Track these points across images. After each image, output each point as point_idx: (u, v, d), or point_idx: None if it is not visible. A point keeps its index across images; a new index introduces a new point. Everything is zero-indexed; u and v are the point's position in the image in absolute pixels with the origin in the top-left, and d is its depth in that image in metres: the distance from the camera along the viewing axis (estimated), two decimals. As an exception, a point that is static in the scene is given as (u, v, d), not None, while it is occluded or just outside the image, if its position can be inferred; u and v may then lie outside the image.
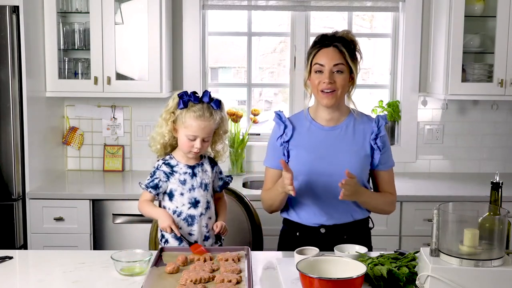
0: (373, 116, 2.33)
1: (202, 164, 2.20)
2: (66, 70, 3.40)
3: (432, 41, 3.51)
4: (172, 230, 2.05)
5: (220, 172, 2.28)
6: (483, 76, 3.34)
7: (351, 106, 2.21)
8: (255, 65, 3.87)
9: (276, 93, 4.07)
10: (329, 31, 2.17)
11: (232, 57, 4.01)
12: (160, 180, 2.15)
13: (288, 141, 2.19)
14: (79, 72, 3.42)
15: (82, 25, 3.38)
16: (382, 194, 2.22)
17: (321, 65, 2.08)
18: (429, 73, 3.56)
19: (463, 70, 3.32)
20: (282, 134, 2.20)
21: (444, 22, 3.30)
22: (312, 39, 3.57)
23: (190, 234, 2.14)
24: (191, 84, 3.54)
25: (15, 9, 2.93)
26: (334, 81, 2.07)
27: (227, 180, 2.29)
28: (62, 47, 3.34)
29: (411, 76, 3.61)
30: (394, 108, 3.62)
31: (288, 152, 2.20)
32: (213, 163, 2.26)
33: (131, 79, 3.38)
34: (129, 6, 3.36)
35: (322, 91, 2.09)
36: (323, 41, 2.11)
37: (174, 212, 2.14)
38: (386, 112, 3.62)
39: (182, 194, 2.15)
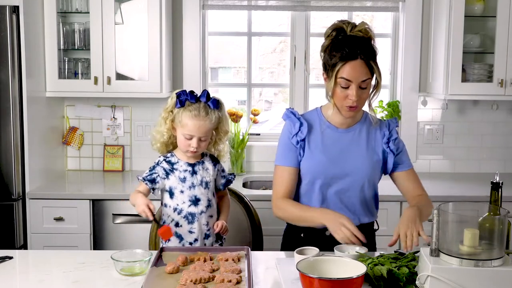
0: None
1: (203, 162, 2.21)
2: (66, 70, 3.40)
3: (432, 41, 3.51)
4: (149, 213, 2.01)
5: (223, 170, 2.28)
6: (483, 76, 3.34)
7: (371, 113, 2.16)
8: (255, 65, 3.87)
9: (276, 93, 4.07)
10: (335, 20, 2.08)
11: (232, 57, 4.01)
12: (158, 175, 2.15)
13: (303, 140, 2.11)
14: (79, 72, 3.42)
15: (82, 25, 3.38)
16: (423, 200, 2.13)
17: (349, 80, 1.97)
18: (429, 73, 3.56)
19: (463, 70, 3.32)
20: (298, 132, 2.11)
21: (444, 22, 3.30)
22: (312, 39, 3.64)
23: (190, 232, 2.14)
24: (191, 84, 3.54)
25: (15, 9, 2.93)
26: (360, 97, 2.00)
27: (229, 178, 2.29)
28: (62, 47, 3.34)
29: (411, 76, 3.61)
30: (394, 108, 3.62)
31: (303, 150, 2.12)
32: (215, 161, 2.26)
33: (131, 79, 3.38)
34: (129, 6, 3.36)
35: (347, 106, 2.02)
36: (347, 50, 1.97)
37: (175, 209, 2.15)
38: (386, 112, 3.62)
39: (182, 191, 2.15)
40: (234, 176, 2.33)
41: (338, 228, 1.92)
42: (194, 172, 2.17)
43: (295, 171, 2.14)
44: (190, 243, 2.15)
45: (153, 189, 2.15)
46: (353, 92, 1.98)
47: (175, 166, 2.17)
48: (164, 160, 2.18)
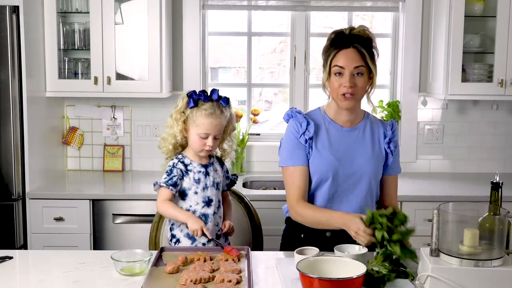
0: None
1: (213, 163, 2.22)
2: (66, 70, 3.40)
3: (432, 41, 3.51)
4: (203, 233, 2.04)
5: (227, 171, 2.30)
6: (483, 76, 3.34)
7: (370, 108, 2.16)
8: (255, 65, 3.87)
9: (276, 93, 4.07)
10: (329, 31, 2.12)
11: (232, 57, 4.01)
12: (178, 178, 2.15)
13: (311, 138, 2.09)
14: (79, 72, 3.42)
15: (82, 25, 3.38)
16: None
17: (341, 67, 2.01)
18: (429, 73, 3.56)
19: (463, 70, 3.32)
20: (305, 131, 2.09)
21: (444, 22, 3.30)
22: (312, 39, 3.64)
23: (204, 233, 2.14)
24: (191, 84, 3.54)
25: (15, 9, 2.93)
26: (354, 84, 2.02)
27: (233, 179, 2.31)
28: (62, 47, 3.34)
29: (411, 76, 3.61)
30: (394, 108, 3.62)
31: (311, 149, 2.10)
32: (221, 162, 2.28)
33: (131, 79, 3.38)
34: (129, 6, 3.36)
35: (342, 94, 2.03)
36: (342, 41, 2.04)
37: (187, 211, 2.15)
38: (386, 112, 3.62)
39: (196, 193, 2.16)
40: (237, 176, 2.35)
41: (357, 234, 1.87)
42: (207, 173, 2.18)
43: (306, 169, 2.10)
44: (203, 244, 2.15)
45: (177, 192, 2.15)
46: (346, 78, 2.01)
47: (189, 168, 2.17)
48: (179, 161, 2.18)
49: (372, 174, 2.12)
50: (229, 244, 2.22)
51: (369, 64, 2.03)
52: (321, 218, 2.04)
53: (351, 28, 2.07)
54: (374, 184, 2.14)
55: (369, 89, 2.10)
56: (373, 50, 2.08)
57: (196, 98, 2.12)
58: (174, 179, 2.14)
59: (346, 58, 2.01)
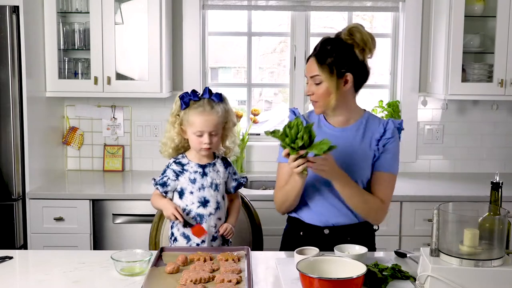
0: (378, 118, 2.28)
1: (214, 164, 2.21)
2: (66, 70, 3.40)
3: (432, 41, 3.51)
4: (176, 218, 2.08)
5: (234, 173, 2.28)
6: (483, 76, 3.35)
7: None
8: (255, 65, 3.87)
9: (276, 93, 4.07)
10: (329, 31, 2.16)
11: (232, 57, 4.01)
12: (169, 178, 2.17)
13: None
14: (79, 72, 3.42)
15: (82, 25, 3.38)
16: (369, 197, 2.11)
17: (306, 77, 2.14)
18: (429, 73, 3.56)
19: (463, 70, 3.32)
20: None
21: (444, 22, 3.30)
22: (312, 39, 3.65)
23: None
24: (191, 84, 3.54)
25: (15, 9, 2.93)
26: (312, 92, 2.09)
27: (241, 181, 2.29)
28: (62, 47, 3.34)
29: (411, 76, 3.61)
30: (394, 108, 3.62)
31: None
32: (227, 163, 2.26)
33: (131, 79, 3.38)
34: (129, 6, 3.36)
35: (310, 100, 2.16)
36: (314, 49, 2.14)
37: (184, 210, 2.16)
38: (386, 112, 3.62)
39: (191, 192, 2.16)
40: (246, 179, 2.33)
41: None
42: (204, 174, 2.18)
43: None
44: (197, 244, 2.15)
45: (165, 192, 2.18)
46: (307, 87, 2.12)
47: (185, 167, 2.18)
48: (174, 162, 2.19)
49: (360, 173, 2.11)
50: (228, 246, 2.22)
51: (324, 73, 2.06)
52: (286, 188, 2.12)
53: (338, 33, 2.13)
54: (364, 183, 2.14)
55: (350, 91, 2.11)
56: (357, 50, 2.08)
57: (188, 99, 2.15)
58: (165, 179, 2.18)
59: (307, 68, 2.12)
